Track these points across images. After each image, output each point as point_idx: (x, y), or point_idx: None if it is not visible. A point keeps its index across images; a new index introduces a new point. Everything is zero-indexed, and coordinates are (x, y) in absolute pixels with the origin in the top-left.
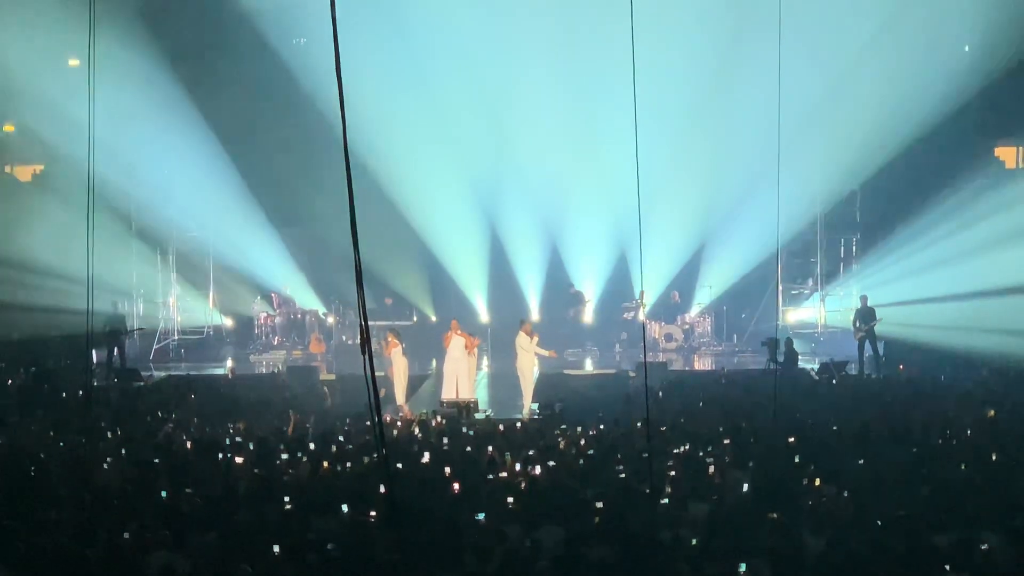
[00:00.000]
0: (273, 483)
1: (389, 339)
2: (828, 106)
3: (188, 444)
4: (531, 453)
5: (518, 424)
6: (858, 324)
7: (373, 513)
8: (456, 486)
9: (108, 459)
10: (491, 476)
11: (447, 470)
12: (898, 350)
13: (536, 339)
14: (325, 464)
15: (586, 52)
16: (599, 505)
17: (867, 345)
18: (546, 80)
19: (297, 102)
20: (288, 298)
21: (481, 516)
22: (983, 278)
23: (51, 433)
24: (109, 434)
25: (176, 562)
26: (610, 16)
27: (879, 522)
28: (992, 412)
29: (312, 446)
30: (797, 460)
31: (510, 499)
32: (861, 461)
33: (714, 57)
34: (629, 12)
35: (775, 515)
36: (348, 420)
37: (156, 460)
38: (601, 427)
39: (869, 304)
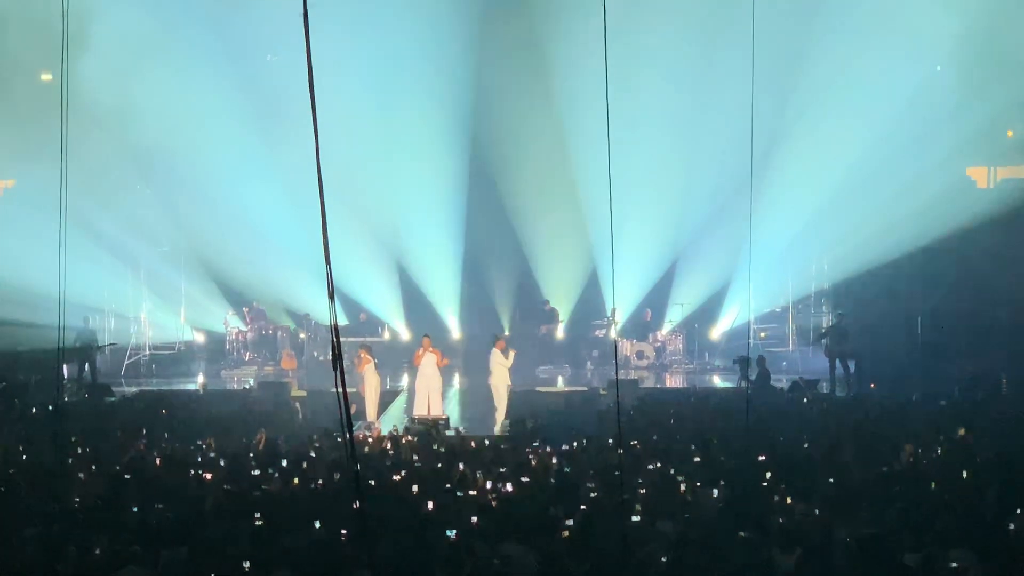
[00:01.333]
0: (244, 499)
1: (361, 355)
2: (801, 124)
3: (159, 460)
4: (502, 470)
5: (486, 441)
6: (827, 342)
7: (343, 528)
8: (427, 503)
9: (79, 475)
10: (461, 493)
11: (415, 488)
12: (870, 368)
13: (512, 355)
14: (295, 480)
15: (559, 67)
16: (570, 522)
17: (838, 363)
18: (519, 96)
19: (268, 114)
20: (260, 312)
21: (451, 533)
22: (954, 298)
23: (20, 448)
24: (80, 450)
25: None
26: (583, 32)
27: (849, 540)
28: (963, 431)
29: (284, 462)
30: (768, 478)
31: (481, 516)
32: (832, 479)
33: (688, 74)
34: (603, 28)
35: (745, 533)
36: (316, 436)
37: (127, 476)
38: (573, 444)
39: (844, 323)
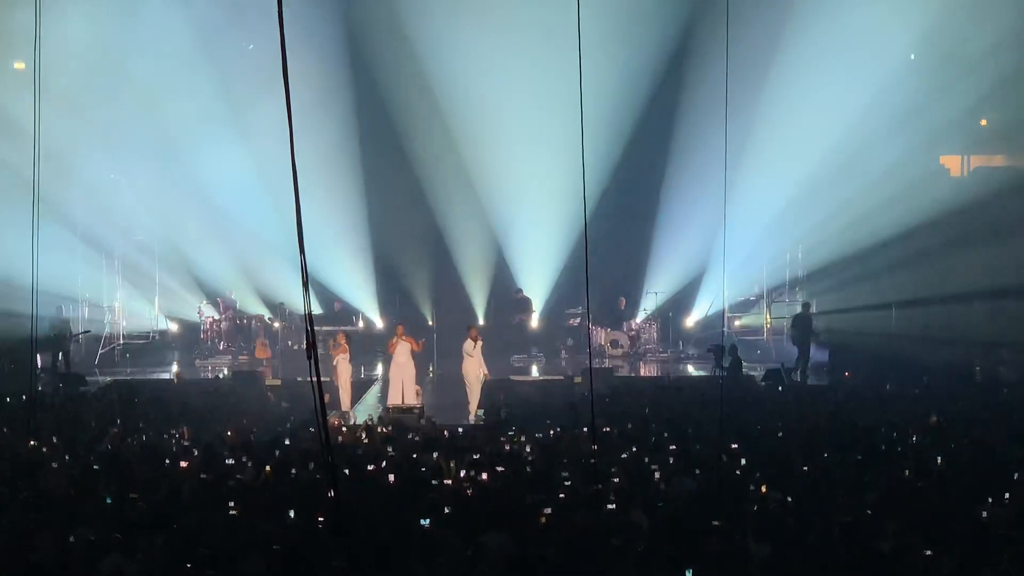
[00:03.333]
0: (219, 488)
1: (339, 340)
2: (774, 113)
3: (133, 449)
4: (476, 459)
5: (458, 430)
6: (793, 331)
7: (318, 517)
8: (401, 492)
9: (53, 464)
10: (436, 482)
11: (391, 477)
12: (844, 357)
13: (479, 344)
14: (268, 469)
15: (534, 56)
16: (547, 511)
17: (806, 351)
18: (494, 83)
19: (244, 103)
20: (233, 302)
21: (426, 522)
22: (928, 286)
23: None
24: (54, 439)
25: (124, 565)
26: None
27: (824, 528)
28: (935, 419)
29: (257, 452)
30: (742, 466)
31: (455, 505)
32: (806, 467)
33: (662, 62)
34: (576, 15)
35: (720, 522)
36: (289, 424)
37: (100, 466)
38: (550, 432)
39: (812, 311)
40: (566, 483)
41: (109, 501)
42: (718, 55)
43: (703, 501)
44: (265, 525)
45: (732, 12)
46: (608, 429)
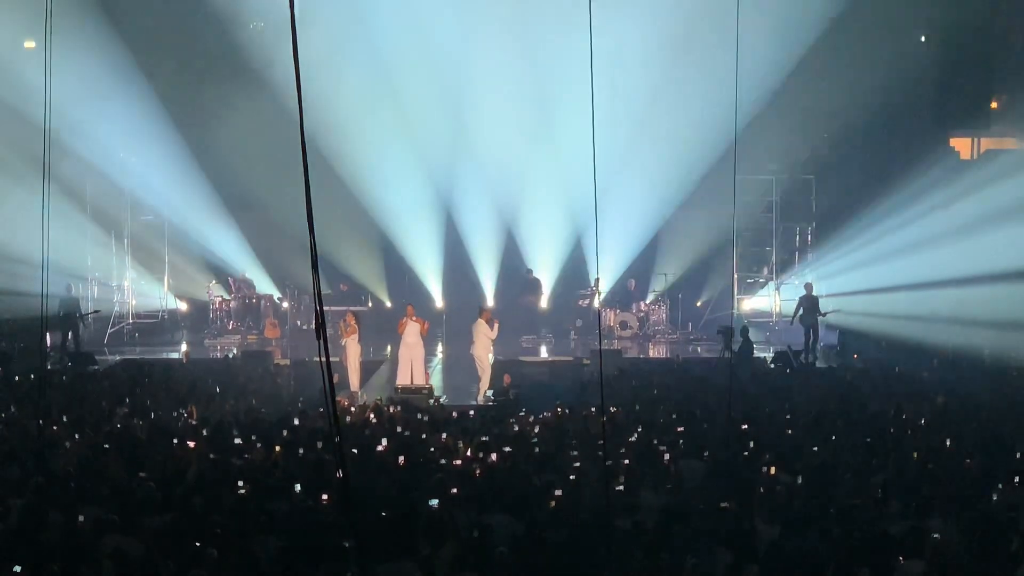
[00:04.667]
0: (227, 467)
1: (349, 321)
2: (785, 94)
3: (142, 428)
4: (485, 440)
5: (470, 412)
6: (800, 312)
7: (325, 497)
8: (410, 472)
9: (63, 443)
10: (445, 462)
11: (401, 458)
12: (853, 339)
13: (497, 327)
14: (278, 449)
15: (543, 37)
16: (558, 493)
17: (816, 332)
18: (503, 65)
19: (253, 85)
20: (247, 281)
21: (435, 502)
22: (938, 268)
23: (2, 416)
24: (64, 418)
25: (130, 545)
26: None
27: (832, 510)
28: (941, 399)
29: (266, 432)
30: (751, 448)
31: (464, 485)
32: (815, 449)
33: (672, 42)
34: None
35: (728, 503)
36: (301, 402)
37: (109, 445)
38: (559, 412)
39: (814, 293)
40: (575, 464)
41: (118, 479)
42: (729, 31)
43: (711, 482)
44: (273, 505)
45: None
46: (616, 410)
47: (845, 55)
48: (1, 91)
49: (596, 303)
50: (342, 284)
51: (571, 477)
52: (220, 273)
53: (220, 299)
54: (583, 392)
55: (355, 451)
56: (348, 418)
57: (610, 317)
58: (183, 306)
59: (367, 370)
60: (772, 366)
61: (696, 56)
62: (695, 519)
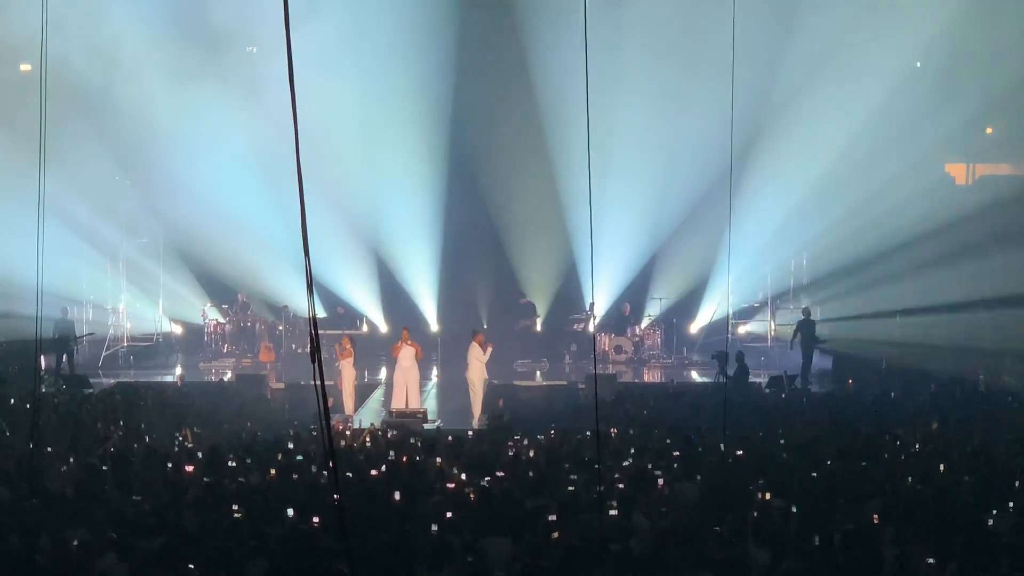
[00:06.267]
0: (221, 491)
1: (345, 344)
2: (780, 121)
3: (136, 451)
4: (480, 464)
5: (468, 434)
6: (798, 337)
7: (317, 520)
8: (405, 497)
9: (57, 466)
10: (439, 486)
11: (396, 481)
12: (848, 365)
13: (490, 350)
14: (272, 472)
15: (539, 61)
16: (552, 518)
17: (814, 357)
18: (499, 88)
19: (248, 105)
20: (245, 304)
21: (434, 528)
22: (933, 295)
23: None
24: (58, 441)
25: (122, 569)
26: (564, 26)
27: (826, 536)
28: (935, 424)
29: (260, 455)
30: (745, 472)
31: (459, 510)
32: (814, 474)
33: (668, 69)
34: (583, 23)
35: (722, 528)
36: (295, 426)
37: (104, 468)
38: (552, 435)
39: (812, 318)
40: (569, 488)
41: (112, 502)
42: (724, 59)
43: (705, 507)
44: (267, 528)
45: (738, 15)
46: (612, 432)
47: (839, 81)
48: None
49: (591, 327)
50: (339, 308)
51: (563, 502)
52: (214, 296)
53: (215, 322)
54: (577, 416)
55: (349, 475)
56: (343, 442)
57: (605, 342)
58: (178, 329)
59: (362, 394)
60: (767, 391)
61: (693, 82)
62: (688, 543)
